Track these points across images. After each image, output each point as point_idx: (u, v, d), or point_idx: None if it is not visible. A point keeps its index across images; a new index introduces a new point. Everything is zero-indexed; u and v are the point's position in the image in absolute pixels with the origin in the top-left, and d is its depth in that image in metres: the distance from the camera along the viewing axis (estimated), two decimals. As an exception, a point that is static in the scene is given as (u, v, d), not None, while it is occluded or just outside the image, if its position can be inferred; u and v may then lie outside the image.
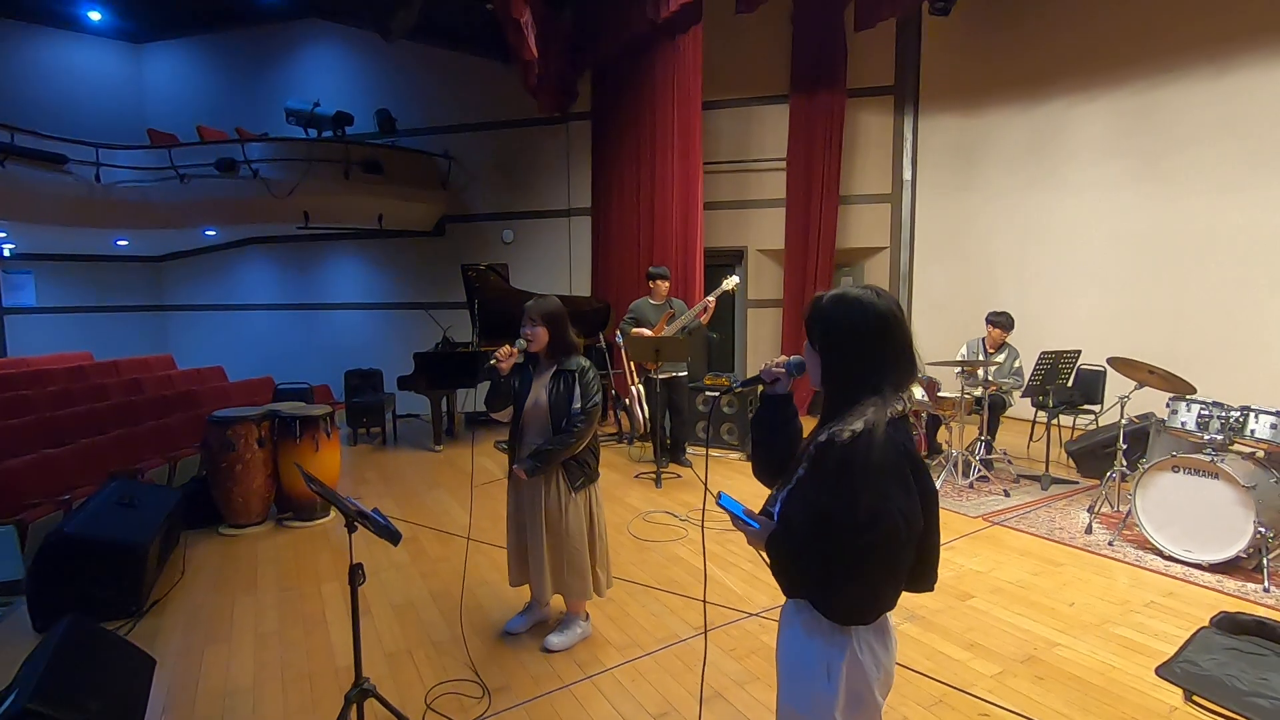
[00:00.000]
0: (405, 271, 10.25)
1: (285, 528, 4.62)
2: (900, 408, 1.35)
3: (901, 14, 7.36)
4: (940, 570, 3.63)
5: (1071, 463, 5.68)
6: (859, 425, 1.27)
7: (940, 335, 7.76)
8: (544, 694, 2.68)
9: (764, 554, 1.41)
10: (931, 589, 1.42)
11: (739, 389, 1.82)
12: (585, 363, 2.94)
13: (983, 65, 7.72)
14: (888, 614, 1.40)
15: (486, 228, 9.77)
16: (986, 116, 7.76)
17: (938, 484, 4.96)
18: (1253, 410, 3.77)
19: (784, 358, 1.53)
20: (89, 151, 8.08)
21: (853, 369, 1.37)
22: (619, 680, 2.78)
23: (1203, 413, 3.87)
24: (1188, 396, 4.04)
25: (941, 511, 4.71)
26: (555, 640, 2.99)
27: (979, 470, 5.19)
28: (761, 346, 8.63)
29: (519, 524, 3.03)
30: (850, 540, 1.24)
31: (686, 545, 4.20)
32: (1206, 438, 3.80)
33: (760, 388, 1.58)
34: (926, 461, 5.65)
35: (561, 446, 2.81)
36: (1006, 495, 4.97)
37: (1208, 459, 3.64)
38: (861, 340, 1.36)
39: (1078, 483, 5.33)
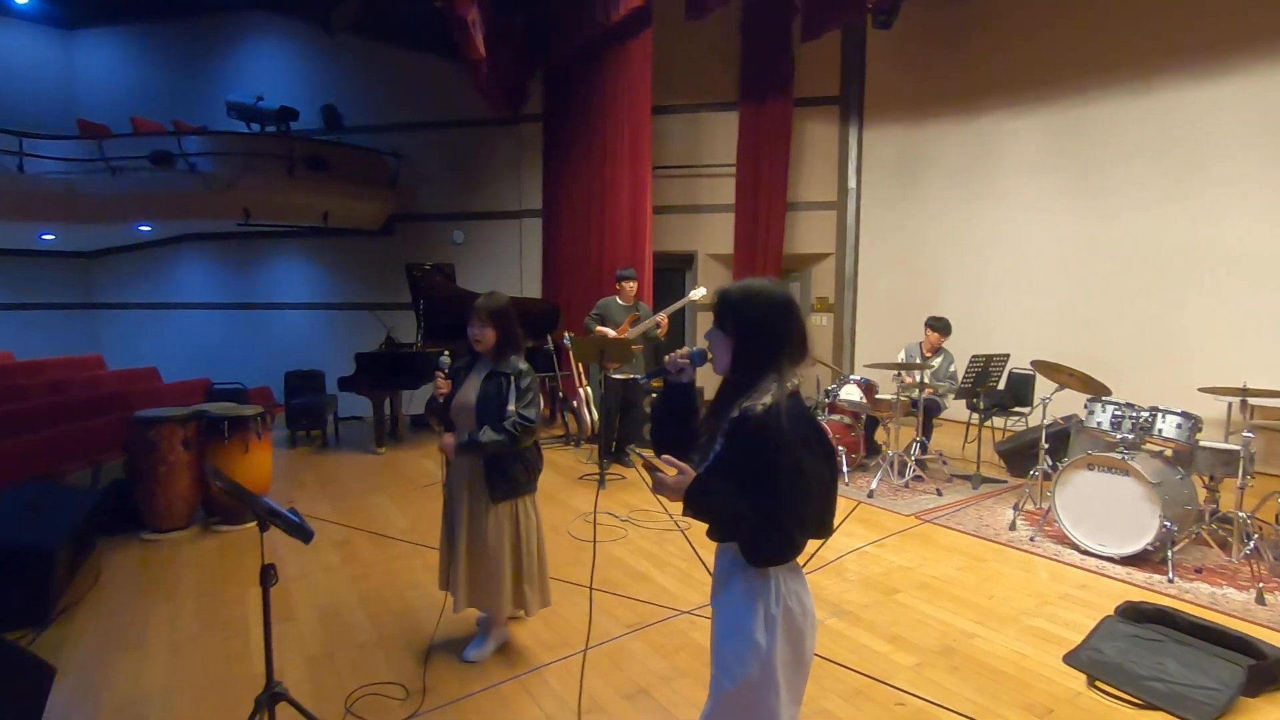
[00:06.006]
0: (352, 271, 10.04)
1: (212, 532, 4.46)
2: (795, 383, 1.50)
3: (846, 26, 7.55)
4: (870, 567, 3.77)
5: (1002, 462, 5.89)
6: (768, 399, 1.43)
7: (883, 339, 7.97)
8: (469, 695, 2.65)
9: (682, 503, 1.48)
10: (830, 534, 1.56)
11: (644, 382, 1.89)
12: (524, 366, 2.81)
13: (924, 80, 7.98)
14: (797, 560, 1.53)
15: (437, 228, 9.64)
16: (927, 129, 8.01)
17: (874, 484, 5.11)
18: (1161, 410, 3.97)
19: (686, 349, 1.62)
20: (11, 141, 7.71)
21: (762, 350, 1.51)
22: (547, 680, 2.76)
23: (1116, 413, 4.06)
24: (1103, 398, 4.24)
25: (876, 510, 4.76)
26: (472, 653, 2.89)
27: (914, 470, 5.33)
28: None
29: (448, 525, 2.94)
30: (769, 497, 1.39)
31: (625, 545, 4.20)
32: (1119, 437, 3.98)
33: (661, 380, 1.67)
34: (865, 461, 5.79)
35: (491, 442, 2.68)
36: (939, 494, 5.12)
37: (1119, 457, 3.81)
38: (770, 325, 1.52)
39: (1007, 481, 5.53)
